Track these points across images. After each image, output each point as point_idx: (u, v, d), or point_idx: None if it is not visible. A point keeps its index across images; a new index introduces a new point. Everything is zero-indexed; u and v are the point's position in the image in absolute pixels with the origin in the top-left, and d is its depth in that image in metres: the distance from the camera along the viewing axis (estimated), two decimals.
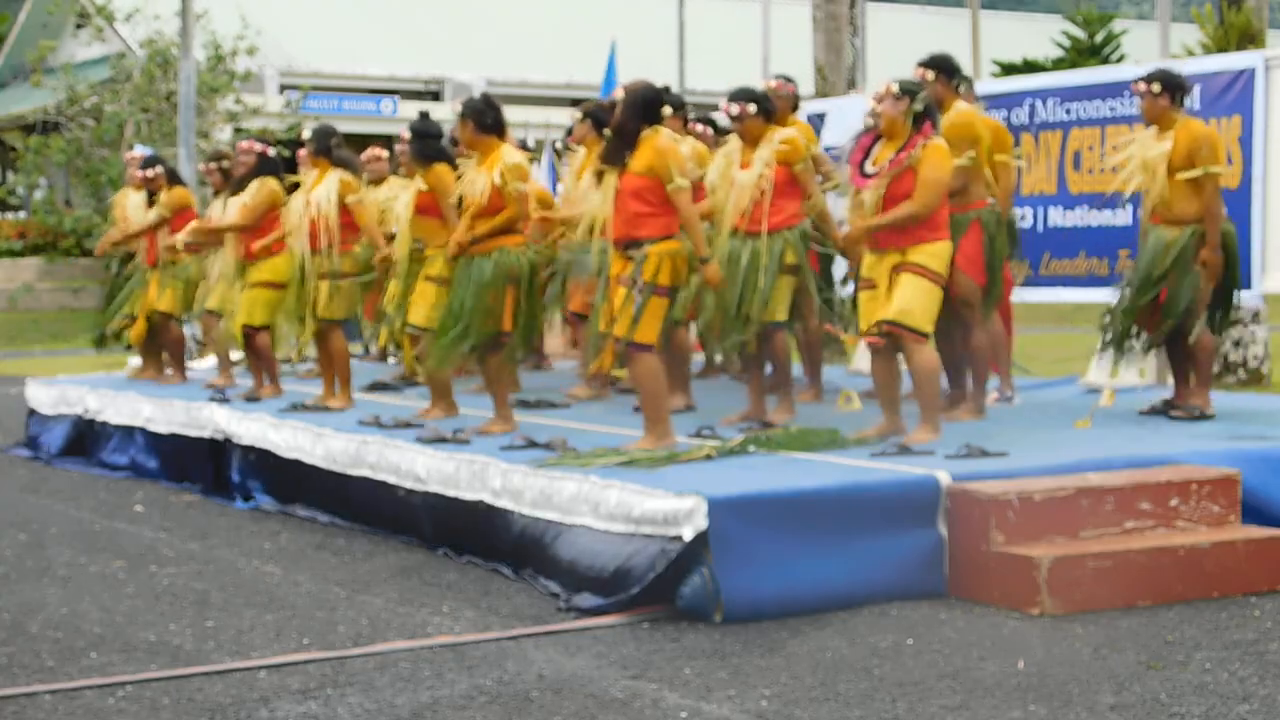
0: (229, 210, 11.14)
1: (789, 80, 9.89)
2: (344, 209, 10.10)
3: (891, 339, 8.04)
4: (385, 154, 12.04)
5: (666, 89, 9.10)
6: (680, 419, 9.26)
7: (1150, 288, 8.94)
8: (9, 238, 30.21)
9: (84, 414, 11.97)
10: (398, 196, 10.08)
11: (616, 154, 7.96)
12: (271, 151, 11.07)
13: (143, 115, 28.22)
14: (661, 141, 7.89)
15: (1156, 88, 8.84)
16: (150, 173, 12.14)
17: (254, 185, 10.89)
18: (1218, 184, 8.80)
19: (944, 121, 8.59)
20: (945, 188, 8.02)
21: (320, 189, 10.14)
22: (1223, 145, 9.15)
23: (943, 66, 9.08)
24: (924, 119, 8.01)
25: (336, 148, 10.33)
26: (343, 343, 10.31)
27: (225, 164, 11.79)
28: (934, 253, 8.03)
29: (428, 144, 9.38)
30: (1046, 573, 6.62)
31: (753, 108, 8.80)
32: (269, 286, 10.74)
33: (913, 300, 7.97)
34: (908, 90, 8.04)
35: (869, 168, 8.15)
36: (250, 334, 10.88)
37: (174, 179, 12.21)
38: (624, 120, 7.95)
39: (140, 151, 12.87)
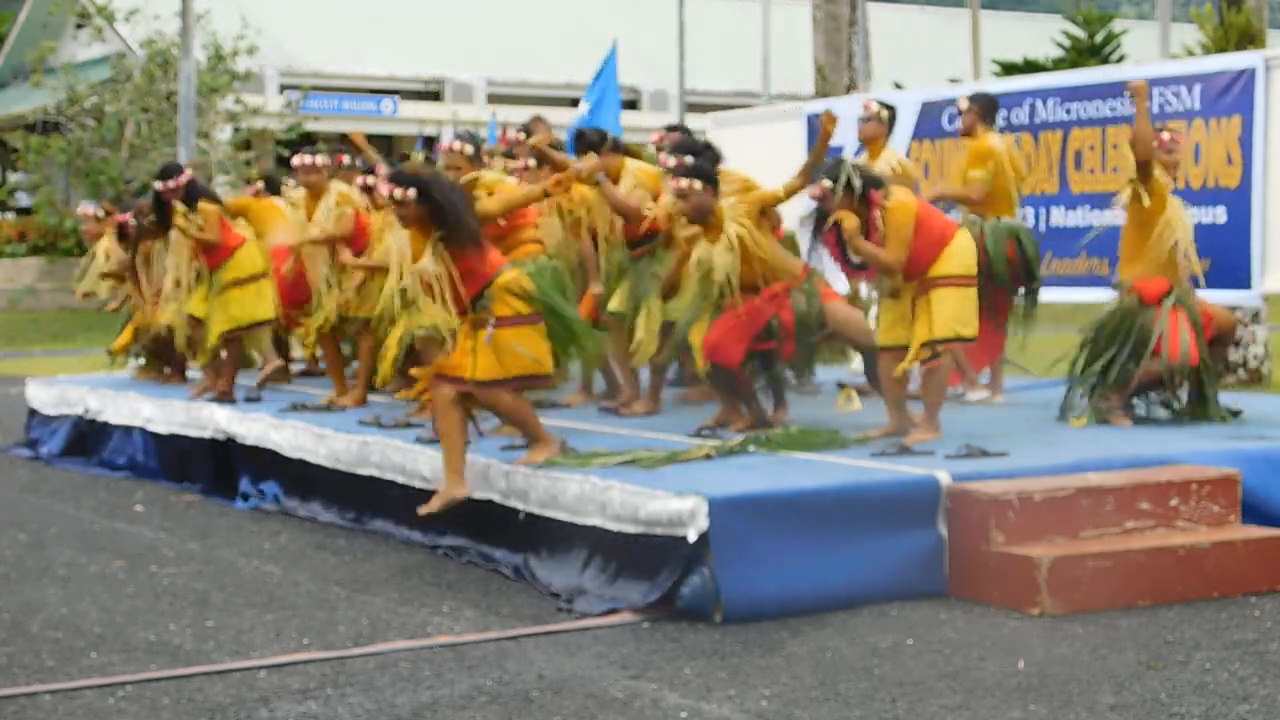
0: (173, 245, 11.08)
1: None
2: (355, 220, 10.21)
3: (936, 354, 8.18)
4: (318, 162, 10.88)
5: (600, 133, 9.47)
6: (682, 420, 9.26)
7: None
8: (10, 238, 30.21)
9: (84, 414, 11.97)
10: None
11: (464, 236, 7.66)
12: (189, 175, 10.97)
13: (143, 115, 28.22)
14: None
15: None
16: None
17: (198, 217, 10.83)
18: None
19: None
20: (908, 240, 8.10)
21: (321, 206, 10.35)
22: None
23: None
24: (867, 189, 8.12)
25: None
26: (372, 340, 10.32)
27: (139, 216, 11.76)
28: (949, 258, 8.17)
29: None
30: (1046, 573, 6.62)
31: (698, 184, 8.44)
32: (239, 284, 10.81)
33: (952, 311, 8.15)
34: (834, 177, 8.14)
35: (854, 258, 8.27)
36: (229, 339, 10.90)
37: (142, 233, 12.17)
38: (450, 215, 7.63)
39: (90, 208, 12.80)
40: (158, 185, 10.90)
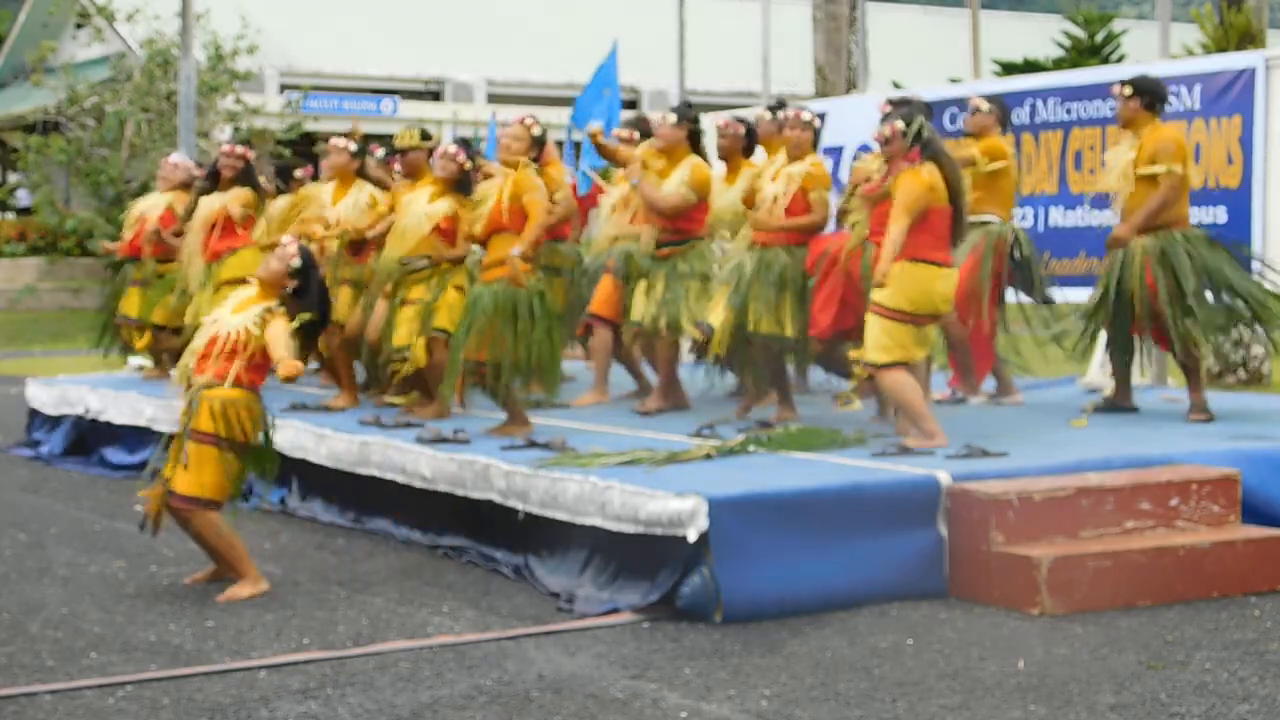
0: (201, 210, 11.20)
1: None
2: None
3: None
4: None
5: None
6: (682, 420, 9.26)
7: (1125, 291, 9.01)
8: (10, 238, 30.21)
9: (85, 414, 11.97)
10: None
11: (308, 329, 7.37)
12: (253, 155, 11.22)
13: (143, 115, 28.21)
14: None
15: (1129, 91, 8.98)
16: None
17: (239, 193, 11.02)
18: (1176, 183, 8.88)
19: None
20: (913, 212, 7.88)
21: (347, 201, 10.29)
22: (1186, 147, 9.21)
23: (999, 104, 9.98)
24: (916, 144, 8.04)
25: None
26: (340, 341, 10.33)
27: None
28: (889, 290, 7.93)
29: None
30: (1046, 573, 6.62)
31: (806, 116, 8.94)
32: (231, 285, 10.80)
33: (871, 339, 8.03)
34: (908, 121, 8.06)
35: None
36: None
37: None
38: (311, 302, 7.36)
39: (178, 159, 12.74)
40: (224, 148, 11.15)
